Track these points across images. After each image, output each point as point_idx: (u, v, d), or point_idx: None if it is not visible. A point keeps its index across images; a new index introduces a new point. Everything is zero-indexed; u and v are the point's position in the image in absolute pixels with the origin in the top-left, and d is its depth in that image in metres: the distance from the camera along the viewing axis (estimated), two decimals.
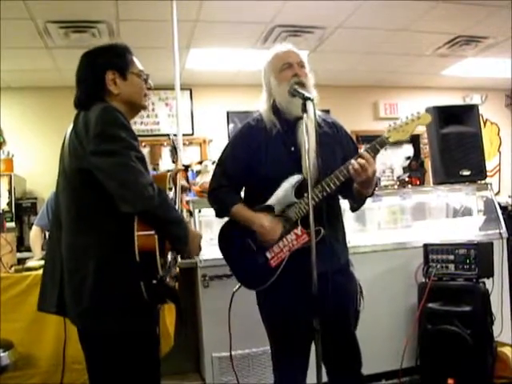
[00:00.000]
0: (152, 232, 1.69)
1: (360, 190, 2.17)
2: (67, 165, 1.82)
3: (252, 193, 2.32)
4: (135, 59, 1.99)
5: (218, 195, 2.33)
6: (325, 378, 2.11)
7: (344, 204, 2.42)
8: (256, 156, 2.24)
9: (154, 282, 1.68)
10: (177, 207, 2.03)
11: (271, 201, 2.19)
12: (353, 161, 2.06)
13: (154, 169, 6.22)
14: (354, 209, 2.40)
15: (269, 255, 2.18)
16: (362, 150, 2.20)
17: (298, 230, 2.14)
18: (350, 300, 2.27)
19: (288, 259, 2.15)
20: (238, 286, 2.38)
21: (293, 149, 2.19)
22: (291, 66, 2.24)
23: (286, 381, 2.28)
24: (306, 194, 2.08)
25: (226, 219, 2.36)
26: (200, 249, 1.99)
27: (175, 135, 2.45)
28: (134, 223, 1.68)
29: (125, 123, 1.75)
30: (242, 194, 2.40)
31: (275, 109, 2.29)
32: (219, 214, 2.38)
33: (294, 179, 2.14)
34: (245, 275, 2.28)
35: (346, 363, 2.28)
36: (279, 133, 2.24)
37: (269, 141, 2.24)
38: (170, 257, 1.85)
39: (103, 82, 1.87)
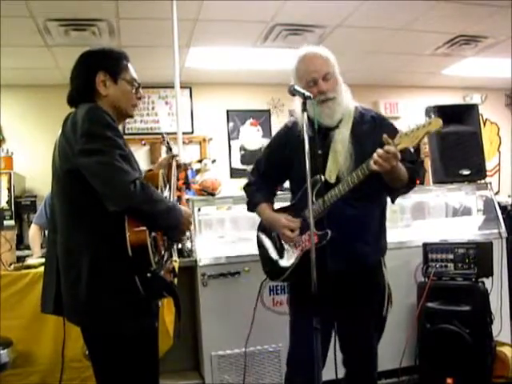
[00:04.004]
0: (143, 226, 1.70)
1: (389, 184, 2.17)
2: (58, 167, 1.85)
3: (292, 192, 2.48)
4: (130, 67, 2.00)
5: (249, 192, 2.53)
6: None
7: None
8: (288, 158, 2.34)
9: (149, 275, 1.69)
10: (172, 194, 2.06)
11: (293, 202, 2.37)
12: (374, 154, 2.03)
13: None
14: (391, 200, 2.41)
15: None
16: None
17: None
18: (368, 302, 2.27)
19: (302, 258, 2.22)
20: (265, 277, 2.53)
21: (320, 152, 2.19)
22: (316, 83, 2.24)
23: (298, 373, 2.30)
24: (325, 196, 2.15)
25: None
26: (190, 225, 2.02)
27: (167, 134, 2.50)
28: (125, 218, 1.70)
29: (110, 122, 1.78)
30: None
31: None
32: (249, 210, 2.55)
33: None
34: (267, 267, 2.45)
35: (358, 364, 2.33)
36: (308, 136, 2.25)
37: (299, 143, 2.24)
38: (163, 251, 1.85)
39: (93, 82, 1.90)
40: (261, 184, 2.48)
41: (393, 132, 2.28)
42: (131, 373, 1.79)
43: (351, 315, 2.26)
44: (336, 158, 2.18)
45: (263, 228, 2.48)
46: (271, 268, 2.42)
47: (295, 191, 2.38)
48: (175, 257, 2.03)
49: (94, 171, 1.69)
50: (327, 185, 2.18)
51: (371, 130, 2.27)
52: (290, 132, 2.36)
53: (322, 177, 2.18)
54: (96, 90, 1.90)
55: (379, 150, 2.01)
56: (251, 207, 2.50)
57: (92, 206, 1.73)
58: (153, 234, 1.76)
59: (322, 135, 2.23)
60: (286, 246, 2.33)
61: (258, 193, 2.47)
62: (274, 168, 2.45)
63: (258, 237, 2.52)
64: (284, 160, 2.38)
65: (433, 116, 2.14)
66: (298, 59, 2.34)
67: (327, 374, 2.09)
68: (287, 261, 2.31)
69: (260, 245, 2.51)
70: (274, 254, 2.39)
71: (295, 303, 2.39)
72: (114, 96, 1.92)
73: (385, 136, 2.03)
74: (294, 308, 2.39)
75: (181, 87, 4.00)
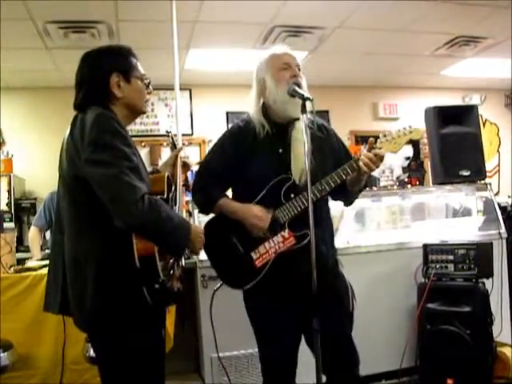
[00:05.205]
0: None
1: (349, 187, 2.25)
2: (65, 171, 1.79)
3: (240, 195, 2.30)
4: (138, 63, 1.95)
5: (205, 189, 2.31)
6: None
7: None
8: (243, 158, 2.24)
9: (157, 286, 1.66)
10: (178, 194, 2.02)
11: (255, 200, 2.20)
12: (362, 156, 2.10)
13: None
14: (346, 204, 2.46)
15: (254, 256, 2.17)
16: (361, 149, 2.23)
17: (285, 233, 2.15)
18: (339, 300, 2.25)
19: (274, 261, 2.15)
20: (219, 285, 2.38)
21: (280, 150, 2.20)
22: (290, 66, 2.24)
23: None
24: (295, 197, 2.13)
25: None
26: (202, 244, 1.92)
27: (169, 132, 2.43)
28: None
29: (119, 130, 1.71)
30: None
31: (265, 110, 2.27)
32: (204, 208, 2.37)
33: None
34: (228, 274, 2.27)
35: (341, 364, 2.27)
36: (267, 135, 2.24)
37: (256, 143, 2.23)
38: (171, 259, 1.83)
39: (107, 85, 1.83)
40: (216, 185, 2.30)
41: (342, 145, 2.41)
42: (138, 380, 1.77)
43: (328, 315, 2.12)
44: (299, 158, 2.11)
45: (220, 229, 2.26)
46: (235, 275, 2.24)
47: (249, 193, 2.22)
48: (183, 262, 1.98)
49: (100, 184, 1.64)
50: (294, 185, 2.15)
51: (324, 136, 2.29)
52: (244, 131, 2.29)
53: (291, 177, 2.15)
54: (111, 92, 1.83)
55: (368, 153, 2.09)
56: (210, 203, 2.28)
57: (98, 214, 1.68)
58: None
59: (281, 133, 2.21)
60: (254, 249, 2.18)
61: (217, 189, 2.29)
62: (228, 168, 2.28)
63: (211, 238, 2.21)
64: (238, 160, 2.25)
65: (412, 126, 2.19)
66: (267, 54, 2.30)
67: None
68: (257, 266, 2.16)
69: (216, 254, 2.29)
70: (237, 261, 2.21)
71: (265, 306, 2.24)
72: (128, 96, 1.86)
73: (371, 139, 2.13)
74: (264, 311, 2.25)
75: (180, 89, 3.99)
